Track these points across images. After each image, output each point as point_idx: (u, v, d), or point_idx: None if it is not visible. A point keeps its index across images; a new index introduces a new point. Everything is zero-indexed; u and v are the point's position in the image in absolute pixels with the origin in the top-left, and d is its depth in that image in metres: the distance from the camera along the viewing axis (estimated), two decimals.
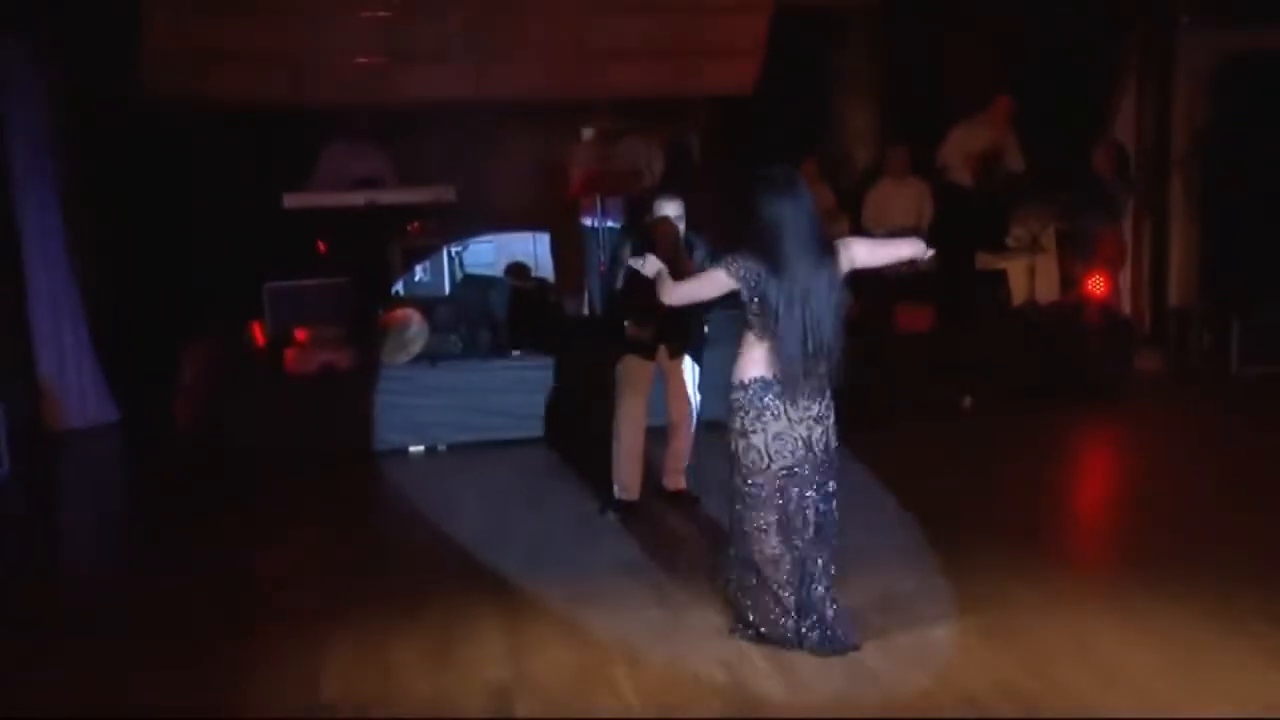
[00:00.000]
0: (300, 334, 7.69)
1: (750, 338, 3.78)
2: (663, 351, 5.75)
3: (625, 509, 5.84)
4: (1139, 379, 8.81)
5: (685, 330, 5.72)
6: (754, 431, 3.71)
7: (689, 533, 5.61)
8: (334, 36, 9.21)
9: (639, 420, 5.80)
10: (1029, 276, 9.44)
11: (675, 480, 6.04)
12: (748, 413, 3.72)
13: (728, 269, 3.81)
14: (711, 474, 5.46)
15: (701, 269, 5.35)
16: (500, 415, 7.48)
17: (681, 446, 5.95)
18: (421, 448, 7.38)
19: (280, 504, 6.37)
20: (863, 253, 3.86)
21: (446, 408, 7.40)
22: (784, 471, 3.74)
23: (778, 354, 3.65)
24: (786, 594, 3.87)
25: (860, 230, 9.71)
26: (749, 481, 3.79)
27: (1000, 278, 9.22)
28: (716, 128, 9.96)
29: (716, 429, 5.86)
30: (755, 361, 3.75)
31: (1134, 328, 9.54)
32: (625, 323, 5.68)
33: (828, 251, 3.70)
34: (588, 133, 9.76)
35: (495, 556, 5.26)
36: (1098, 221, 9.23)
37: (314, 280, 8.13)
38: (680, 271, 4.71)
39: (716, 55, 10.14)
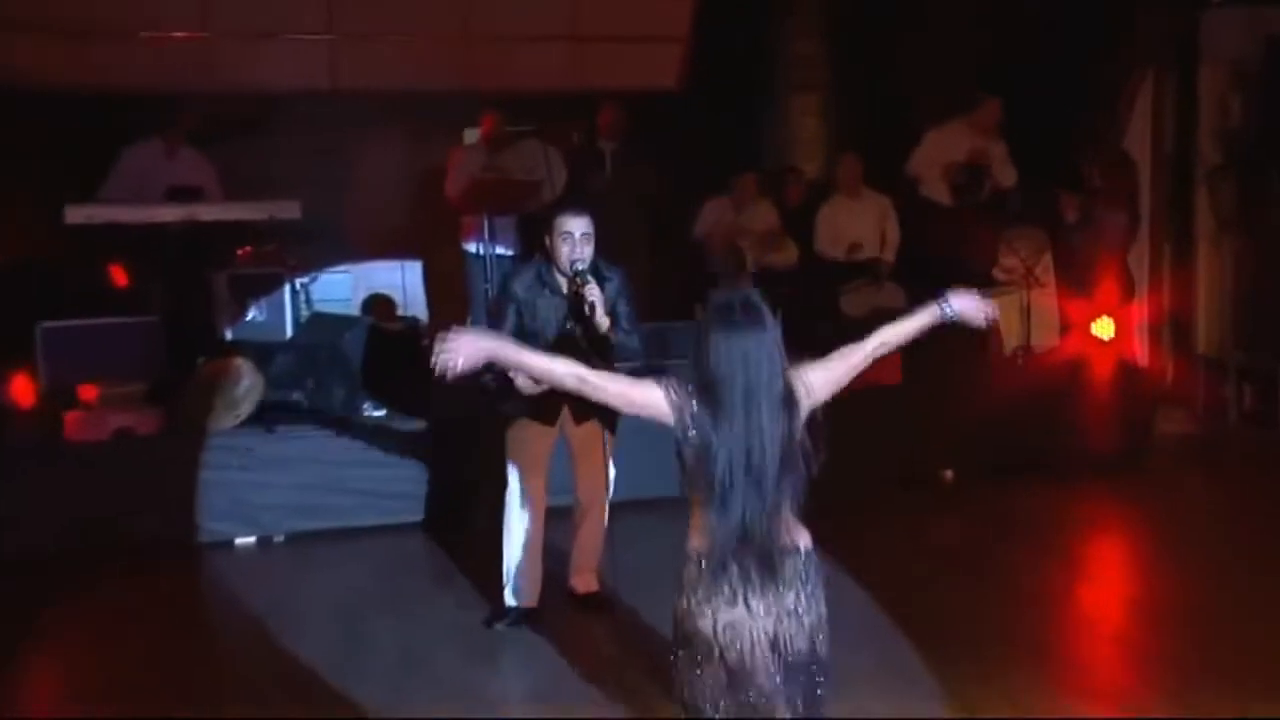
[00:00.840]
0: (87, 391, 7.57)
1: (693, 496, 3.68)
2: (566, 414, 5.69)
3: (521, 619, 5.79)
4: (1161, 446, 8.89)
5: None
6: (700, 616, 3.62)
7: (610, 650, 5.54)
8: (142, 3, 9.24)
9: (537, 503, 5.76)
10: (1021, 317, 9.51)
11: (586, 580, 5.99)
12: (695, 590, 3.63)
13: (666, 391, 3.65)
14: (634, 564, 5.43)
15: (613, 310, 5.47)
16: (357, 495, 7.44)
17: (593, 535, 5.91)
18: (252, 539, 7.29)
19: (60, 621, 6.14)
20: (819, 380, 3.74)
21: (287, 486, 7.33)
22: (734, 671, 3.63)
23: (707, 522, 3.58)
24: None
25: (813, 255, 9.87)
26: (695, 659, 3.68)
27: None
28: (634, 130, 9.87)
29: (638, 510, 5.72)
30: (708, 525, 3.64)
31: (1153, 381, 9.63)
32: (517, 377, 5.50)
33: (789, 400, 3.62)
34: (472, 134, 9.89)
35: (349, 684, 5.15)
36: (1098, 247, 9.45)
37: (107, 320, 8.02)
38: (593, 336, 4.98)
39: (634, 41, 10.18)
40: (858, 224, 9.97)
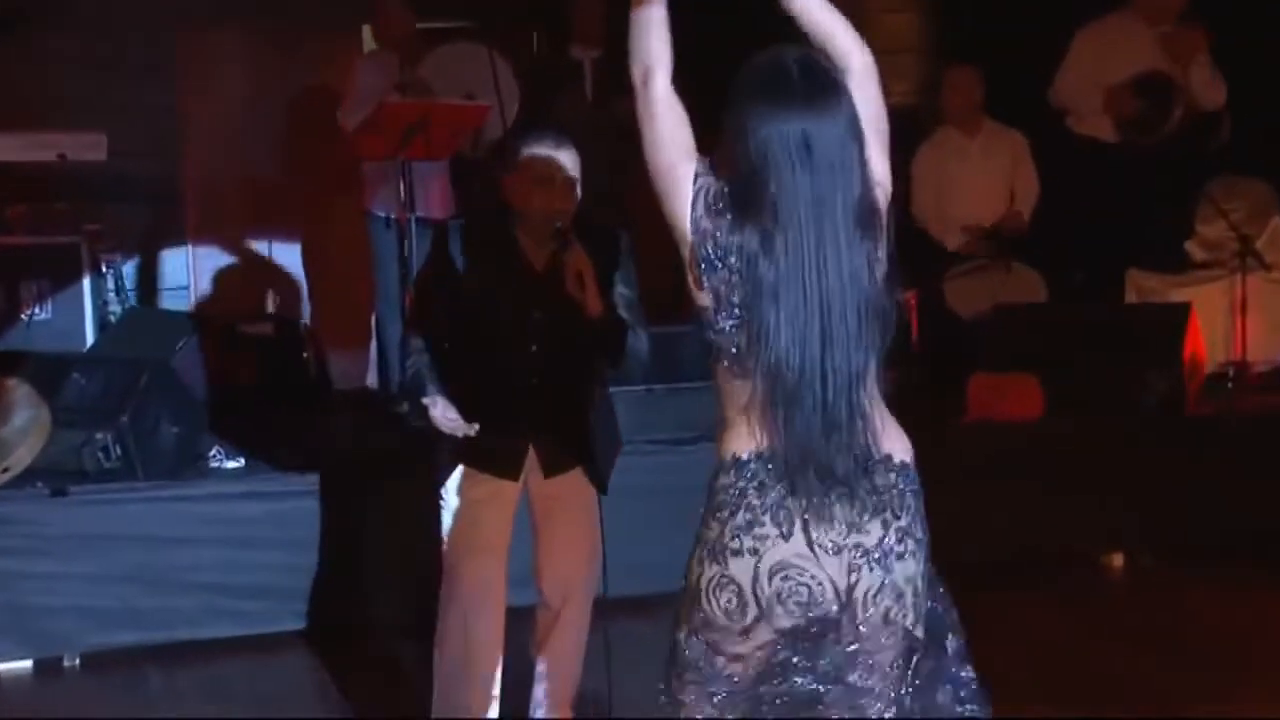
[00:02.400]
0: None
1: (729, 381, 3.71)
2: (533, 461, 5.61)
3: None
4: None
5: (575, 416, 5.64)
6: (735, 552, 3.60)
7: None
8: None
9: (489, 600, 5.67)
10: (1233, 315, 9.56)
11: (559, 714, 5.92)
12: (730, 515, 3.63)
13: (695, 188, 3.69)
14: (635, 692, 5.19)
15: (625, 289, 5.55)
16: (197, 592, 7.42)
17: (569, 649, 5.88)
18: (28, 663, 7.20)
19: None
20: (878, 160, 3.73)
21: (85, 579, 7.26)
22: (779, 644, 3.60)
23: (767, 406, 3.58)
24: None
25: (909, 228, 9.91)
26: (699, 638, 3.69)
27: (1178, 318, 9.24)
28: (623, 31, 9.65)
29: (632, 611, 5.83)
30: (743, 428, 3.68)
31: None
32: (435, 405, 5.54)
33: (871, 213, 3.63)
34: (372, 36, 10.29)
35: None
36: None
37: None
38: (592, 310, 5.12)
39: None
40: (973, 178, 10.02)
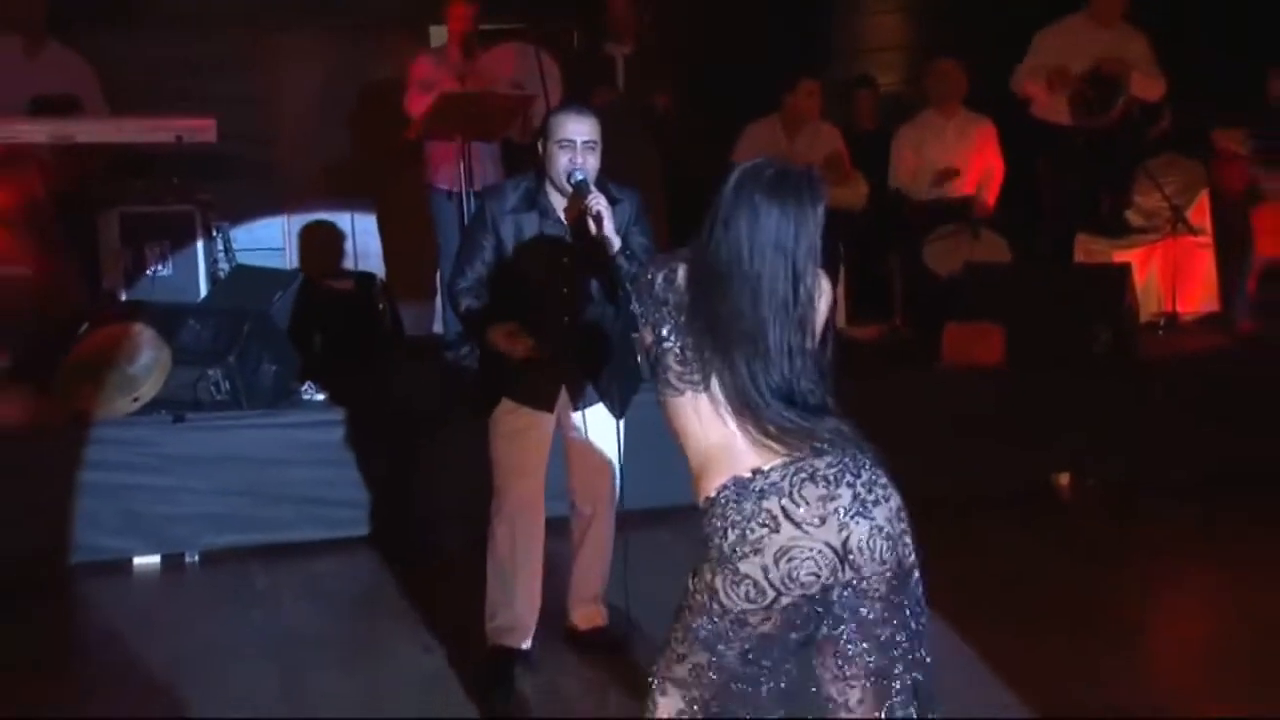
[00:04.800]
0: None
1: (683, 407, 3.67)
2: (565, 397, 5.70)
3: (509, 663, 5.71)
4: None
5: (599, 356, 5.66)
6: (741, 558, 3.59)
7: (619, 703, 5.44)
8: None
9: (532, 513, 5.73)
10: (1167, 274, 9.67)
11: (589, 613, 6.03)
12: (723, 539, 3.61)
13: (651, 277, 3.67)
14: (650, 591, 5.26)
15: (625, 239, 5.39)
16: (293, 504, 7.50)
17: (598, 555, 5.96)
18: (156, 558, 7.32)
19: None
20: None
21: (199, 492, 7.37)
22: (800, 604, 3.61)
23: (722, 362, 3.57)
24: None
25: (887, 193, 10.09)
26: (718, 621, 3.63)
27: (1119, 277, 9.26)
28: (653, 30, 9.88)
29: (649, 522, 5.84)
30: (715, 460, 3.66)
31: None
32: (493, 333, 5.52)
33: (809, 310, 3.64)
34: (439, 35, 10.09)
35: None
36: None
37: None
38: (610, 247, 5.07)
39: None
40: (949, 151, 10.08)
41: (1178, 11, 9.87)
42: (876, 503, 3.60)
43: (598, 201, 5.22)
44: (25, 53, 8.99)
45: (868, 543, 3.57)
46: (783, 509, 3.55)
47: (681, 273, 3.59)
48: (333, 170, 10.59)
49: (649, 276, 3.65)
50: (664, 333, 3.61)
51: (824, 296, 3.64)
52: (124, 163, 8.92)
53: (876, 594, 3.61)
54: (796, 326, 3.55)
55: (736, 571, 3.57)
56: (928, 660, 3.65)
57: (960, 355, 8.75)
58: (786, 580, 3.56)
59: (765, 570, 3.56)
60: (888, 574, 3.60)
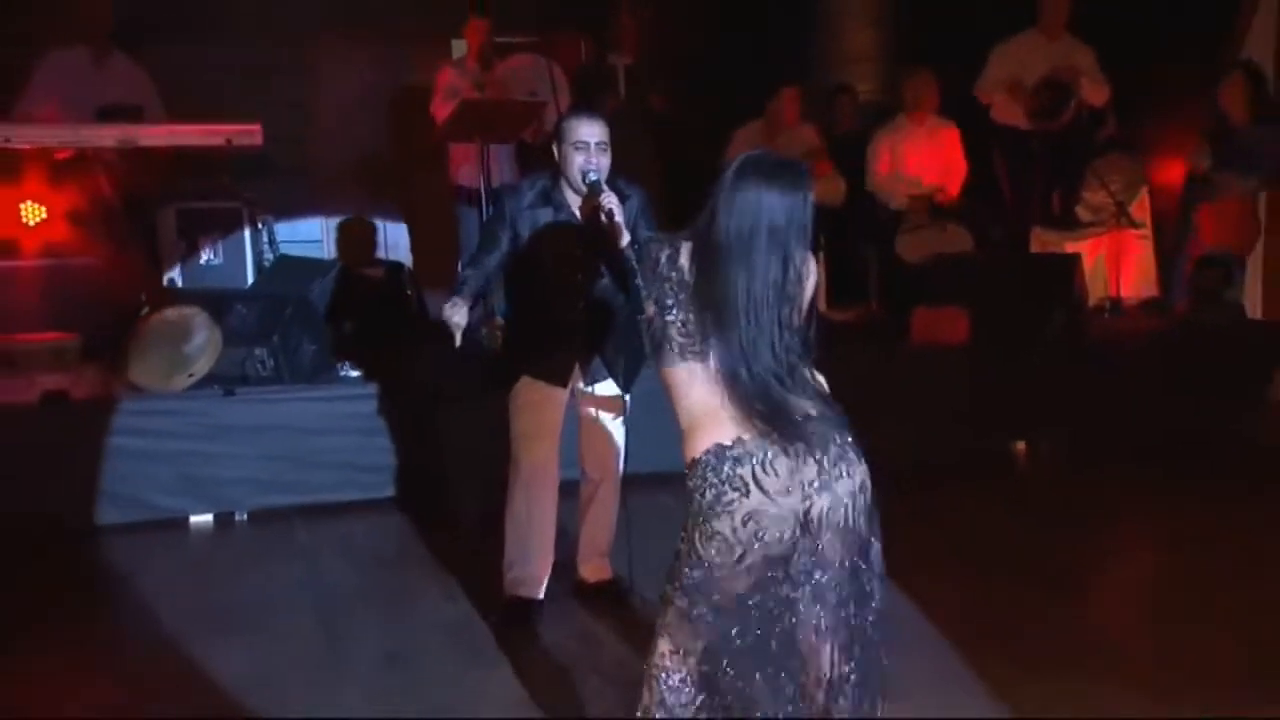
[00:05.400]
0: (7, 346, 7.66)
1: (680, 375, 3.67)
2: (578, 373, 5.71)
3: (524, 613, 5.74)
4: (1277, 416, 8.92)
5: (608, 337, 5.68)
6: (716, 515, 3.61)
7: (624, 648, 5.43)
8: None
9: (547, 476, 5.74)
10: (1111, 263, 9.68)
11: (597, 567, 6.02)
12: (704, 495, 3.64)
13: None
14: (650, 548, 5.25)
15: (633, 232, 5.39)
16: (330, 469, 7.52)
17: (605, 515, 5.95)
18: (209, 517, 7.38)
19: None
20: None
21: (247, 458, 7.41)
22: (765, 566, 3.59)
23: (721, 360, 3.57)
24: None
25: (863, 192, 10.00)
26: (694, 576, 3.64)
27: (1069, 265, 9.28)
28: (651, 43, 9.91)
29: (650, 486, 5.69)
30: (702, 425, 3.67)
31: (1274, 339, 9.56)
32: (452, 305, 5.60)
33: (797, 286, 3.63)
34: (460, 47, 9.96)
35: (323, 696, 5.09)
36: (1232, 183, 9.39)
37: (22, 262, 8.07)
38: (619, 241, 5.07)
39: None
40: (920, 155, 10.03)
41: (1121, 27, 9.80)
42: (840, 477, 3.57)
43: (610, 199, 5.26)
44: (94, 62, 8.93)
45: (828, 514, 3.57)
46: (754, 477, 3.56)
47: (685, 251, 3.59)
48: (366, 169, 10.57)
49: (654, 255, 3.64)
50: (668, 305, 3.61)
51: (810, 277, 3.63)
52: (180, 164, 8.89)
53: (833, 563, 3.60)
54: (786, 302, 3.56)
55: (710, 527, 3.59)
56: (878, 639, 3.63)
57: (929, 336, 8.81)
58: (752, 540, 3.56)
59: (734, 530, 3.57)
60: (846, 543, 3.60)
